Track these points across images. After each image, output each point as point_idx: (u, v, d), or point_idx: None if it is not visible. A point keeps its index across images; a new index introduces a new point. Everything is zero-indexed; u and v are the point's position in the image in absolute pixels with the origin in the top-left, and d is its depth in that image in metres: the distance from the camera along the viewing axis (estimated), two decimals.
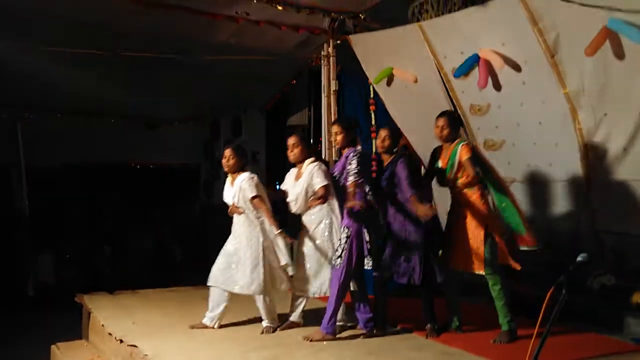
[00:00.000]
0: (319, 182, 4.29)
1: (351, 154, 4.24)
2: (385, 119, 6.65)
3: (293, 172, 4.54)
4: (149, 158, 8.93)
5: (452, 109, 5.83)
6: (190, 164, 9.00)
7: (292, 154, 4.44)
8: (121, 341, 4.11)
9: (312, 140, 8.98)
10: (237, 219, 4.50)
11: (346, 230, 4.20)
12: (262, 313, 4.43)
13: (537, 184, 5.49)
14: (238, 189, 4.40)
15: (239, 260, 4.36)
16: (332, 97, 6.60)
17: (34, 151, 7.83)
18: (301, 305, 4.56)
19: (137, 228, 9.07)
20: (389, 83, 6.43)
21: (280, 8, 5.98)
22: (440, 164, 4.40)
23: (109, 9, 5.55)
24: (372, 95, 6.79)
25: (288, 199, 4.46)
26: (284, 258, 4.38)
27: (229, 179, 4.57)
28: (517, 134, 5.40)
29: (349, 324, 4.45)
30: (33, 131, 7.74)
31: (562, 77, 4.81)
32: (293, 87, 8.41)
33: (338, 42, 6.61)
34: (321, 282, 4.36)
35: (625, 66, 4.34)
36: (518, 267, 4.24)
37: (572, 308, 4.69)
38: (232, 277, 4.37)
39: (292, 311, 4.58)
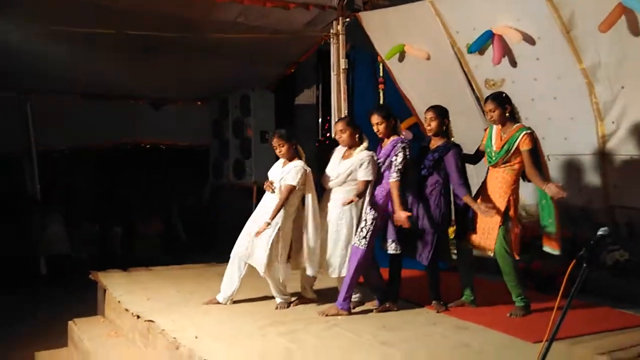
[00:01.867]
0: (364, 175, 4.27)
1: (399, 145, 4.25)
2: (395, 97, 6.64)
3: (340, 150, 4.51)
4: (157, 138, 8.92)
5: (468, 84, 5.84)
6: (199, 143, 8.97)
7: (341, 139, 4.42)
8: (138, 317, 4.16)
9: (320, 120, 9.04)
10: (267, 197, 4.51)
11: (372, 212, 4.22)
12: (273, 291, 4.46)
13: (552, 158, 5.48)
14: (286, 171, 4.41)
15: (258, 237, 4.37)
16: (342, 76, 6.56)
17: (44, 134, 7.84)
18: (312, 280, 4.59)
19: (147, 209, 9.11)
20: (400, 59, 6.39)
21: None
22: (493, 144, 4.31)
23: None
24: (381, 74, 6.76)
25: (330, 174, 4.43)
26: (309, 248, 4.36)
27: (281, 160, 4.55)
28: (531, 109, 5.36)
29: (364, 300, 4.48)
30: (42, 114, 7.74)
31: (578, 52, 4.76)
32: (301, 65, 8.36)
33: (347, 19, 6.55)
34: (339, 261, 4.35)
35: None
36: (517, 256, 4.25)
37: (585, 283, 4.83)
38: (251, 249, 4.40)
39: (303, 288, 4.62)
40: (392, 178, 4.21)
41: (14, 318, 5.86)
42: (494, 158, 4.27)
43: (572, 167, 5.39)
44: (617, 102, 4.79)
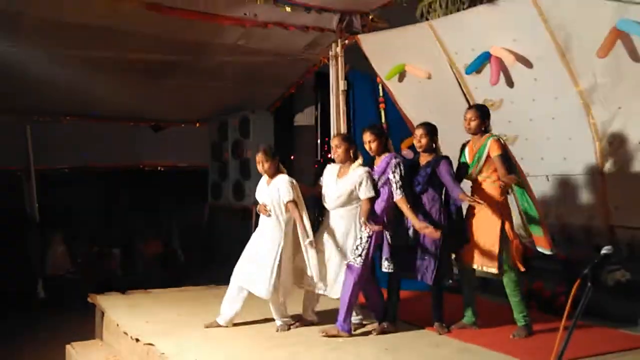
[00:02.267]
0: (366, 192, 4.27)
1: (393, 161, 4.27)
2: (395, 117, 6.68)
3: (333, 168, 4.52)
4: (156, 160, 8.93)
5: (467, 104, 5.88)
6: (198, 165, 8.98)
7: (336, 154, 4.44)
8: (137, 340, 4.12)
9: (319, 141, 9.07)
10: (264, 220, 4.49)
11: (368, 230, 4.19)
12: (274, 313, 4.43)
13: (551, 178, 5.51)
14: (275, 189, 4.39)
15: (260, 262, 4.34)
16: (341, 97, 6.60)
17: (43, 155, 7.85)
18: (312, 303, 4.57)
19: (146, 231, 9.08)
20: (400, 79, 6.45)
21: (288, 9, 6.00)
22: (467, 157, 4.40)
23: (118, 13, 5.57)
24: (381, 94, 6.81)
25: (329, 195, 4.43)
26: (312, 268, 4.31)
27: (264, 178, 4.56)
28: (530, 129, 5.40)
29: (364, 322, 4.45)
30: (42, 135, 7.76)
31: (574, 75, 4.81)
32: (299, 87, 8.42)
33: (346, 42, 6.62)
34: (340, 281, 4.34)
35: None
36: (522, 269, 4.24)
37: (591, 306, 4.81)
38: (252, 276, 4.36)
39: (305, 309, 4.59)
40: (397, 196, 4.21)
41: (11, 341, 5.80)
42: (469, 170, 4.33)
43: (571, 187, 5.39)
44: (615, 123, 4.82)
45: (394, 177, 4.21)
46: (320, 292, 4.43)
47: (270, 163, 4.43)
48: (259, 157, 4.46)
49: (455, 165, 4.51)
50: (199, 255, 9.09)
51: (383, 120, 6.95)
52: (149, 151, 8.67)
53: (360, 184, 4.28)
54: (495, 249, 4.20)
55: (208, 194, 8.83)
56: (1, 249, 7.44)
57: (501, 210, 4.25)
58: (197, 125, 8.83)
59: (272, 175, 4.47)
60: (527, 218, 4.38)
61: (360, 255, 4.16)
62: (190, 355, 3.68)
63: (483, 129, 4.35)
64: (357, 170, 4.33)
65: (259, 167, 4.48)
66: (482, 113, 4.37)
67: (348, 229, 4.33)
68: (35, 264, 7.84)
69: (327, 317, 4.54)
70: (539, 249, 4.41)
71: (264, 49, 6.79)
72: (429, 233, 4.11)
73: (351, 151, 4.40)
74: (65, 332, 5.40)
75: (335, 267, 4.34)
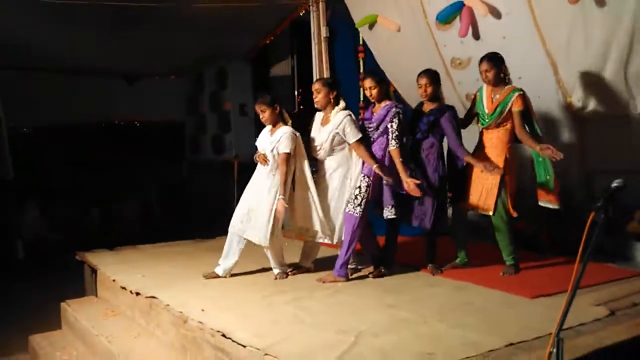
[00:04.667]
0: (352, 136, 4.24)
1: (393, 110, 4.23)
2: (374, 66, 6.63)
3: (319, 116, 4.49)
4: (131, 114, 8.75)
5: (440, 58, 5.86)
6: (174, 119, 8.84)
7: (316, 99, 4.39)
8: (137, 294, 4.12)
9: (296, 91, 8.98)
10: (261, 169, 4.46)
11: (366, 179, 4.22)
12: (271, 261, 4.47)
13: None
14: (275, 139, 4.36)
15: (257, 210, 4.35)
16: (323, 45, 6.52)
17: (14, 113, 7.58)
18: (313, 251, 4.63)
19: (123, 189, 8.96)
20: (370, 28, 6.38)
21: None
22: (484, 106, 4.36)
23: None
24: (361, 43, 6.74)
25: (317, 144, 4.42)
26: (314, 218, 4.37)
27: (267, 128, 4.51)
28: None
29: (359, 267, 4.54)
30: (12, 92, 7.47)
31: (542, 33, 4.84)
32: (276, 36, 8.26)
33: None
34: (338, 228, 4.40)
35: (605, 14, 4.38)
36: (515, 213, 4.33)
37: (573, 243, 4.99)
38: (250, 225, 4.38)
39: (305, 257, 4.66)
40: (391, 146, 4.21)
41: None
42: (487, 120, 4.33)
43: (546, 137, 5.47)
44: (581, 83, 4.90)
45: (392, 126, 4.21)
46: (321, 240, 4.49)
47: (269, 112, 4.38)
48: (258, 107, 4.41)
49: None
50: (179, 212, 9.04)
51: (361, 70, 6.91)
52: (123, 105, 8.48)
53: (344, 129, 4.26)
54: (493, 193, 4.28)
55: (186, 149, 8.74)
56: None
57: (506, 154, 4.29)
58: (172, 77, 8.65)
59: (274, 125, 4.44)
60: (539, 172, 4.35)
61: (359, 204, 4.18)
62: (194, 305, 3.70)
63: (502, 76, 4.30)
64: (338, 115, 4.30)
65: (261, 118, 4.44)
66: (496, 62, 4.28)
67: (344, 174, 4.35)
68: (12, 225, 7.69)
69: (323, 265, 4.61)
70: (544, 204, 4.37)
71: None
72: (412, 189, 4.13)
73: (331, 96, 4.35)
74: (51, 292, 5.36)
75: (337, 215, 4.38)
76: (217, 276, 4.50)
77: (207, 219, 7.62)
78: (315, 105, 4.45)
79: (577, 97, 5.06)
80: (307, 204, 4.40)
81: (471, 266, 4.51)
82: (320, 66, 6.54)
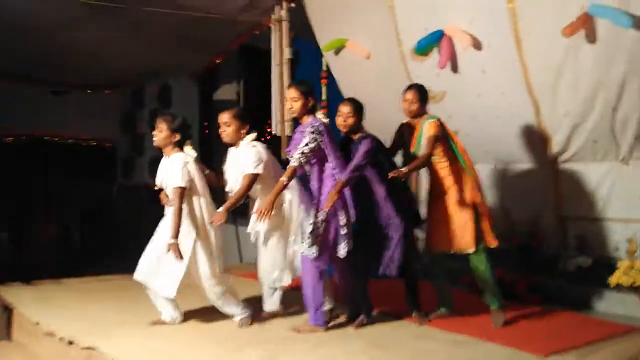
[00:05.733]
0: (249, 168, 3.67)
1: (314, 125, 3.60)
2: (338, 94, 6.22)
3: (231, 153, 3.91)
4: (56, 129, 7.76)
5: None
6: (106, 138, 7.94)
7: (225, 133, 3.79)
8: (70, 343, 3.32)
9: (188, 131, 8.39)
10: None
11: (321, 215, 3.60)
12: (225, 309, 3.83)
13: (498, 171, 5.37)
14: (164, 170, 3.74)
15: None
16: (285, 67, 6.00)
17: None
18: (276, 294, 4.02)
19: (40, 211, 7.90)
20: (337, 53, 6.00)
21: None
22: (407, 141, 4.02)
23: None
24: (324, 68, 6.33)
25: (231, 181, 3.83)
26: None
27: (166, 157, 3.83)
28: (473, 125, 5.16)
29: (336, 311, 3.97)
30: None
31: (526, 67, 4.60)
32: (225, 57, 7.70)
33: (292, 4, 6.03)
34: (289, 268, 3.90)
35: (595, 54, 4.22)
36: (495, 243, 3.97)
37: (550, 291, 4.72)
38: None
39: (266, 301, 4.04)
40: (292, 161, 3.55)
41: None
42: (410, 155, 3.99)
43: (520, 178, 5.26)
44: (563, 127, 4.70)
45: (303, 141, 3.54)
46: (268, 285, 3.95)
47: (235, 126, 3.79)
48: (222, 117, 3.81)
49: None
50: (102, 239, 8.08)
51: (324, 97, 6.49)
52: (49, 120, 7.49)
53: (244, 159, 3.69)
54: (469, 228, 3.89)
55: (117, 171, 7.86)
56: None
57: (469, 187, 3.93)
58: (106, 91, 7.78)
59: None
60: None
61: (314, 244, 3.54)
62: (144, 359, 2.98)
63: (422, 112, 3.98)
64: (244, 147, 3.75)
65: (221, 132, 3.83)
66: (422, 93, 3.98)
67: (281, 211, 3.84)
68: None
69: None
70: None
71: (195, 5, 5.99)
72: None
73: (243, 131, 3.78)
74: None
75: (271, 254, 3.88)
76: (166, 323, 3.78)
77: (137, 248, 6.77)
78: (224, 140, 3.83)
79: (557, 141, 4.85)
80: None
81: (458, 315, 4.06)
82: (281, 90, 6.01)
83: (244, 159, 3.71)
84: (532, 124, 4.87)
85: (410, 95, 3.96)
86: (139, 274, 3.77)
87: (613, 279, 4.50)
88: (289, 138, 5.29)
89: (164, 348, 3.27)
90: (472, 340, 3.50)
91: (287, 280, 3.91)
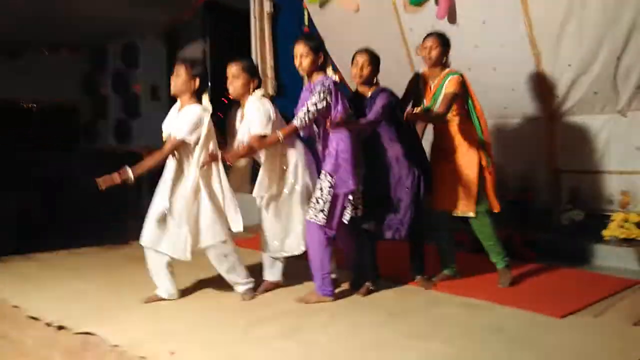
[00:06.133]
0: (256, 127, 3.44)
1: (325, 82, 3.37)
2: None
3: (238, 111, 3.65)
4: (10, 94, 7.13)
5: (403, 43, 5.30)
6: (65, 100, 7.35)
7: (232, 87, 3.53)
8: (61, 328, 3.02)
9: (208, 80, 8.02)
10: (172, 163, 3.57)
11: (328, 178, 3.41)
12: (229, 277, 3.59)
13: (494, 124, 5.20)
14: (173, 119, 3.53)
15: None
16: (266, 22, 5.61)
17: None
18: (277, 264, 3.80)
19: None
20: (321, 6, 5.67)
21: None
22: (422, 93, 3.79)
23: None
24: (306, 22, 5.97)
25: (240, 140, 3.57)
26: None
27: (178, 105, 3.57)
28: (467, 77, 4.94)
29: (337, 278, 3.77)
30: None
31: (530, 19, 4.44)
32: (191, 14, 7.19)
33: None
34: (296, 237, 3.64)
35: (603, 3, 4.07)
36: (498, 209, 3.84)
37: (545, 246, 4.67)
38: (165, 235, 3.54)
39: (267, 271, 3.81)
40: (295, 119, 3.34)
41: None
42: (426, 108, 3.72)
43: (513, 133, 5.16)
44: (564, 78, 4.58)
45: (311, 98, 3.33)
46: (275, 255, 3.71)
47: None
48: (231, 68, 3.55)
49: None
50: (67, 212, 7.58)
51: None
52: (3, 83, 6.85)
53: (251, 118, 3.47)
54: (472, 189, 3.74)
55: (79, 136, 7.34)
56: None
57: (476, 145, 3.75)
58: (65, 52, 7.17)
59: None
60: None
61: (322, 210, 3.36)
62: (154, 344, 2.73)
63: (444, 59, 3.75)
64: (248, 104, 3.51)
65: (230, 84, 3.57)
66: (443, 41, 3.74)
67: (280, 171, 3.59)
68: None
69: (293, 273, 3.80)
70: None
71: None
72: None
73: (252, 85, 3.54)
74: None
75: (270, 222, 3.64)
76: (162, 299, 3.52)
77: (106, 220, 6.40)
78: (231, 95, 3.59)
79: (557, 93, 4.73)
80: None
81: (461, 277, 3.95)
82: (262, 47, 5.64)
83: (250, 115, 3.42)
84: (532, 76, 4.73)
85: (430, 41, 3.70)
86: (145, 239, 3.50)
87: (607, 232, 4.50)
88: (271, 98, 5.01)
89: (174, 329, 2.99)
90: (485, 304, 3.38)
91: (289, 250, 3.69)
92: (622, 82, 4.42)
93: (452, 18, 4.81)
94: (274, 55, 5.64)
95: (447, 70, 3.74)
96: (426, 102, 3.75)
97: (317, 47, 3.45)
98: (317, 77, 3.43)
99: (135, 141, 6.68)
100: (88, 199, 7.39)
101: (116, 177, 3.30)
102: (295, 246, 3.64)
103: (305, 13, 5.91)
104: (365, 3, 5.36)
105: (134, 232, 3.73)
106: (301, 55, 3.43)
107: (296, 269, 3.80)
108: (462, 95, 3.67)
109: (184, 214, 3.40)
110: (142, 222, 3.53)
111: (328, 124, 3.29)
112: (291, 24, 5.92)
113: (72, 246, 5.22)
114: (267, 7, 5.58)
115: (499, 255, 3.84)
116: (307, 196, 3.54)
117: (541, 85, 4.76)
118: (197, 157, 3.41)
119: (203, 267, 3.73)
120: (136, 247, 3.74)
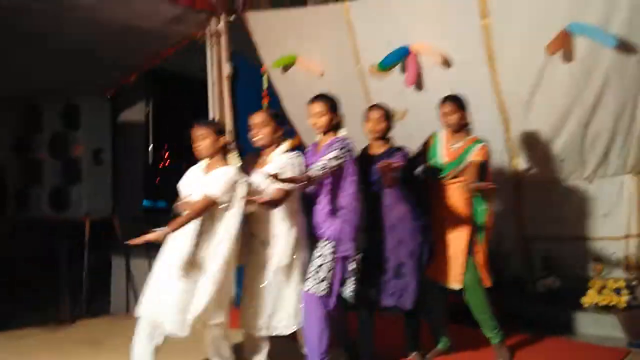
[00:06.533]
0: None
1: (342, 142, 3.29)
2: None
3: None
4: None
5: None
6: None
7: (258, 137, 3.38)
8: None
9: (152, 143, 7.72)
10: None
11: (330, 244, 3.21)
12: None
13: None
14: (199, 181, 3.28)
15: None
16: (225, 84, 5.40)
17: None
18: (262, 347, 3.44)
19: None
20: (284, 70, 5.59)
21: None
22: (441, 155, 3.75)
23: None
24: (265, 86, 5.85)
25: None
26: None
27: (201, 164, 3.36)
28: None
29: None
30: None
31: (498, 84, 4.53)
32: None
33: (231, 18, 5.49)
34: (287, 314, 3.33)
35: (571, 73, 4.21)
36: (489, 283, 3.74)
37: (522, 314, 4.59)
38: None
39: (251, 353, 3.45)
40: (312, 169, 3.17)
41: None
42: (441, 172, 3.74)
43: None
44: (532, 145, 4.66)
45: (329, 154, 3.22)
46: (258, 333, 3.37)
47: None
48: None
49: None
50: None
51: None
52: None
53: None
54: (459, 262, 3.63)
55: (7, 203, 6.64)
56: None
57: (471, 214, 3.69)
58: None
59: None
60: None
61: (323, 279, 3.15)
62: None
63: (464, 123, 3.76)
64: (279, 156, 3.35)
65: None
66: (460, 104, 3.77)
67: (265, 238, 3.35)
68: None
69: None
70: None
71: (118, 15, 5.22)
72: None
73: (277, 134, 3.42)
74: None
75: (275, 295, 3.33)
76: None
77: (41, 296, 5.74)
78: (257, 143, 3.42)
79: (524, 159, 4.80)
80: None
81: (456, 350, 3.77)
82: (221, 109, 5.40)
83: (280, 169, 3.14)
84: (499, 142, 4.75)
85: (447, 107, 3.72)
86: (143, 309, 3.11)
87: (586, 299, 4.50)
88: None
89: None
90: None
91: (279, 329, 3.34)
92: (589, 150, 4.57)
93: (419, 85, 4.84)
94: (233, 119, 5.42)
95: (473, 137, 3.73)
96: (447, 160, 3.70)
97: (334, 106, 3.40)
98: (329, 138, 3.32)
99: (73, 209, 6.09)
100: (21, 271, 6.69)
101: (150, 237, 2.91)
102: (285, 324, 3.31)
103: (265, 77, 5.80)
104: (330, 68, 5.32)
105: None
106: (317, 114, 3.35)
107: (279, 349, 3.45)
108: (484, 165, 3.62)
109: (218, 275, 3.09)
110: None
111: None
112: (249, 87, 5.77)
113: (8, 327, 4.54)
114: (227, 69, 5.39)
115: (493, 330, 3.70)
116: (303, 267, 3.27)
117: (508, 152, 4.82)
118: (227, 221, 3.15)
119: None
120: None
